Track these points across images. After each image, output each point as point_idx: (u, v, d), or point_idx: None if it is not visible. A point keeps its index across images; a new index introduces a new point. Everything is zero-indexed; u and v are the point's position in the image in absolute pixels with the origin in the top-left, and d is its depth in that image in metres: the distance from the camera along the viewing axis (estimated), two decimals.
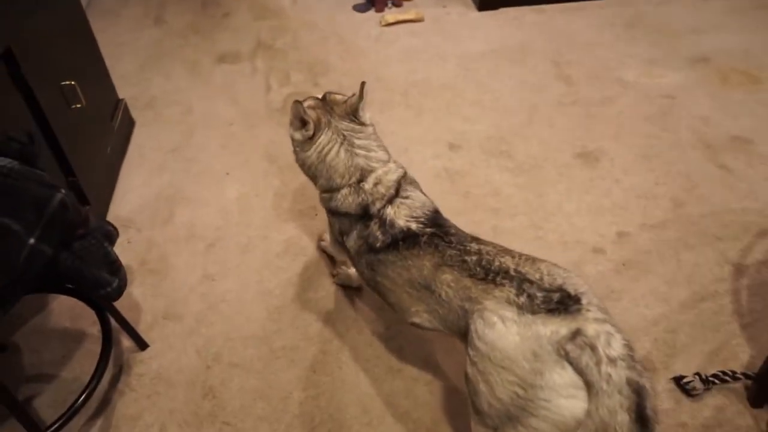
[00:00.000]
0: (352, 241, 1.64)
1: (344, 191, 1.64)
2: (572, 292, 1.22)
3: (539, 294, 1.21)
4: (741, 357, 1.87)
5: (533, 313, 1.19)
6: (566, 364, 1.15)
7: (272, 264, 2.22)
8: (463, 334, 1.34)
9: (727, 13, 3.71)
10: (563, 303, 1.19)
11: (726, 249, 2.20)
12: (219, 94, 3.17)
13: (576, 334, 1.14)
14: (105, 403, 1.82)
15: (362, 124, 1.70)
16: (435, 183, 2.51)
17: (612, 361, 1.12)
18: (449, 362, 1.87)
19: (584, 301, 1.20)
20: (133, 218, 2.42)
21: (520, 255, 1.35)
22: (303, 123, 1.67)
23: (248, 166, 2.67)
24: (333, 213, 1.71)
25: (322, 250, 2.23)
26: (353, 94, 1.73)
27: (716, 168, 2.56)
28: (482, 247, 1.39)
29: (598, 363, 1.12)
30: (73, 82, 2.19)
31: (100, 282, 1.51)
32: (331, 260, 2.20)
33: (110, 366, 1.89)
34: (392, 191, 1.60)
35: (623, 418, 1.09)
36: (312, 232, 2.32)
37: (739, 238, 2.24)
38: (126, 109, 2.88)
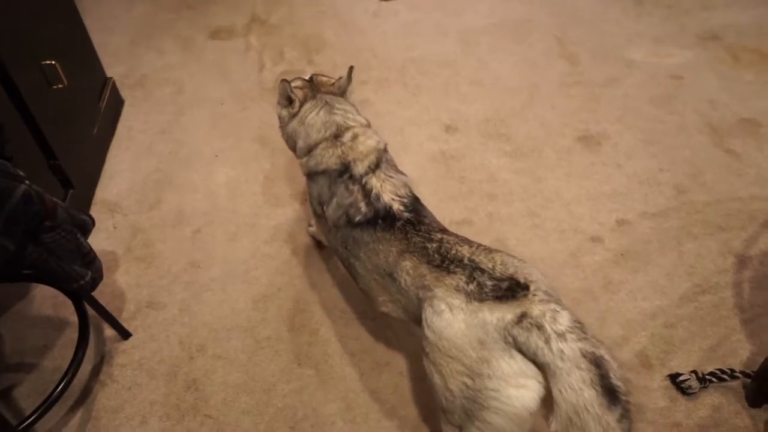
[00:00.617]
0: (331, 210, 1.60)
1: (322, 146, 1.66)
2: (522, 280, 1.20)
3: (489, 282, 1.20)
4: (740, 354, 1.81)
5: (481, 300, 1.17)
6: (515, 353, 1.12)
7: (259, 251, 2.16)
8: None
9: None
10: (511, 290, 1.17)
11: (730, 239, 2.12)
12: (211, 72, 3.08)
13: (522, 317, 1.12)
14: (86, 394, 1.78)
15: (345, 98, 1.78)
16: (430, 167, 2.43)
17: (561, 335, 1.09)
18: None
19: (532, 287, 1.18)
20: (120, 203, 2.36)
21: (479, 246, 1.33)
22: (289, 101, 1.74)
23: (238, 148, 2.59)
24: (312, 175, 1.70)
25: (311, 236, 2.17)
26: (340, 77, 1.80)
27: (723, 153, 2.46)
28: (445, 236, 1.38)
29: (547, 341, 1.08)
30: (53, 62, 2.11)
31: (72, 275, 1.46)
32: (319, 245, 2.13)
33: (92, 356, 1.86)
34: (373, 158, 1.60)
35: (590, 394, 1.05)
36: (301, 218, 2.26)
37: (744, 228, 2.16)
38: (114, 89, 2.80)
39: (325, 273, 2.07)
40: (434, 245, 1.34)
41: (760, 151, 2.46)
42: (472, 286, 1.20)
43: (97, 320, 1.89)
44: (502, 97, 2.80)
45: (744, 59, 2.97)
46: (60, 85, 2.16)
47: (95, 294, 1.71)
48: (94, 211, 2.33)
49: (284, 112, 1.78)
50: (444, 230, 1.45)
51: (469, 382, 1.15)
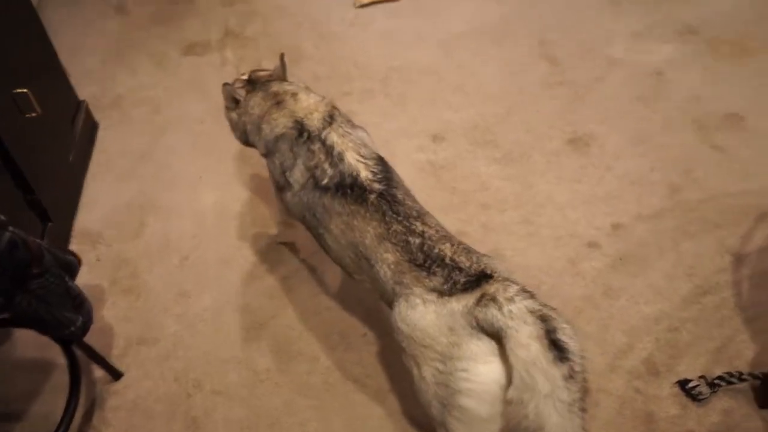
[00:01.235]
0: (298, 173, 1.57)
1: (269, 112, 1.69)
2: (488, 272, 1.24)
3: (463, 279, 1.23)
4: (746, 354, 1.80)
5: (450, 294, 1.22)
6: (482, 335, 1.16)
7: (250, 275, 2.09)
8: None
9: None
10: (477, 281, 1.21)
11: (725, 236, 2.11)
12: (188, 90, 3.00)
13: (481, 297, 1.16)
14: None
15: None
16: (419, 178, 2.38)
17: (509, 299, 1.13)
18: None
19: (495, 275, 1.23)
20: (102, 232, 2.28)
21: (459, 243, 1.35)
22: (236, 103, 1.82)
23: (222, 168, 2.52)
24: (270, 146, 1.68)
25: (281, 243, 2.15)
26: (276, 67, 1.86)
27: (711, 149, 2.46)
28: (426, 229, 1.37)
29: (500, 308, 1.12)
30: (25, 90, 2.02)
31: (63, 322, 1.39)
32: (292, 249, 2.08)
33: (83, 401, 1.77)
34: (323, 110, 1.62)
35: (536, 348, 1.06)
36: (292, 237, 2.19)
37: (738, 224, 2.15)
38: (88, 112, 2.70)
39: (319, 295, 2.02)
40: (417, 241, 1.33)
41: (747, 146, 2.46)
42: (447, 286, 1.23)
43: (85, 360, 1.81)
44: (487, 102, 2.77)
45: (722, 51, 2.98)
46: (33, 114, 2.06)
47: None
48: (75, 244, 2.24)
49: (234, 115, 1.85)
50: (421, 215, 1.42)
51: (441, 366, 1.19)
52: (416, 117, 2.72)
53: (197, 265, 2.14)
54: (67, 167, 2.37)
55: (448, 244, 1.32)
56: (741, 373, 1.69)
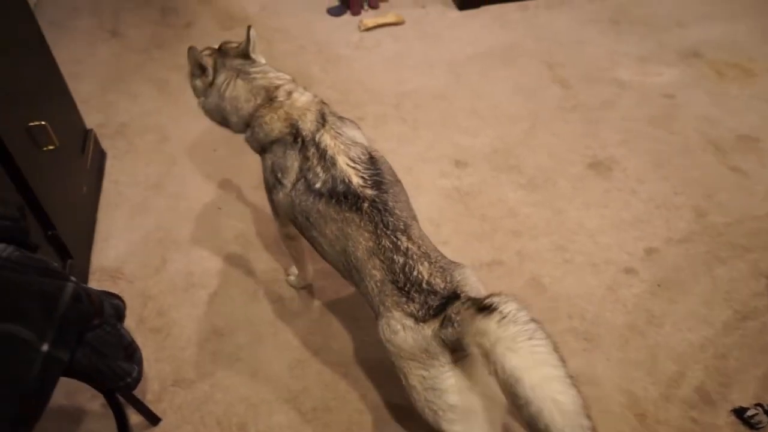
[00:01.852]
0: (293, 175, 1.57)
1: (260, 114, 1.65)
2: (458, 292, 1.31)
3: (437, 303, 1.29)
4: None
5: (424, 321, 1.29)
6: (448, 348, 1.26)
7: (285, 310, 2.02)
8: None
9: (706, 2, 3.65)
10: (447, 303, 1.27)
11: (757, 260, 2.13)
12: (194, 116, 2.88)
13: (443, 320, 1.24)
14: None
15: (254, 61, 1.77)
16: (447, 205, 2.35)
17: (458, 313, 1.21)
18: None
19: (462, 295, 1.29)
20: (121, 268, 2.17)
21: (437, 261, 1.38)
22: (202, 69, 1.76)
23: (242, 197, 2.45)
24: (265, 147, 1.67)
25: (292, 286, 2.10)
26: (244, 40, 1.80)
27: (730, 171, 2.49)
28: (410, 246, 1.39)
29: (453, 325, 1.22)
30: (43, 123, 1.92)
31: (119, 374, 1.30)
32: (308, 289, 2.02)
33: None
34: (315, 111, 1.60)
35: (475, 322, 1.13)
36: (325, 270, 2.13)
37: (767, 248, 2.18)
38: (96, 141, 2.59)
39: (361, 329, 1.95)
40: (401, 260, 1.37)
41: (764, 167, 2.51)
42: (422, 312, 1.30)
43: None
44: (504, 126, 2.76)
45: (727, 74, 3.05)
46: (51, 147, 1.97)
47: None
48: (94, 281, 2.13)
49: (198, 83, 1.80)
50: (407, 227, 1.43)
51: (425, 373, 1.29)
52: (432, 142, 2.69)
53: (226, 302, 2.05)
54: (81, 200, 2.27)
55: (426, 264, 1.36)
56: None
